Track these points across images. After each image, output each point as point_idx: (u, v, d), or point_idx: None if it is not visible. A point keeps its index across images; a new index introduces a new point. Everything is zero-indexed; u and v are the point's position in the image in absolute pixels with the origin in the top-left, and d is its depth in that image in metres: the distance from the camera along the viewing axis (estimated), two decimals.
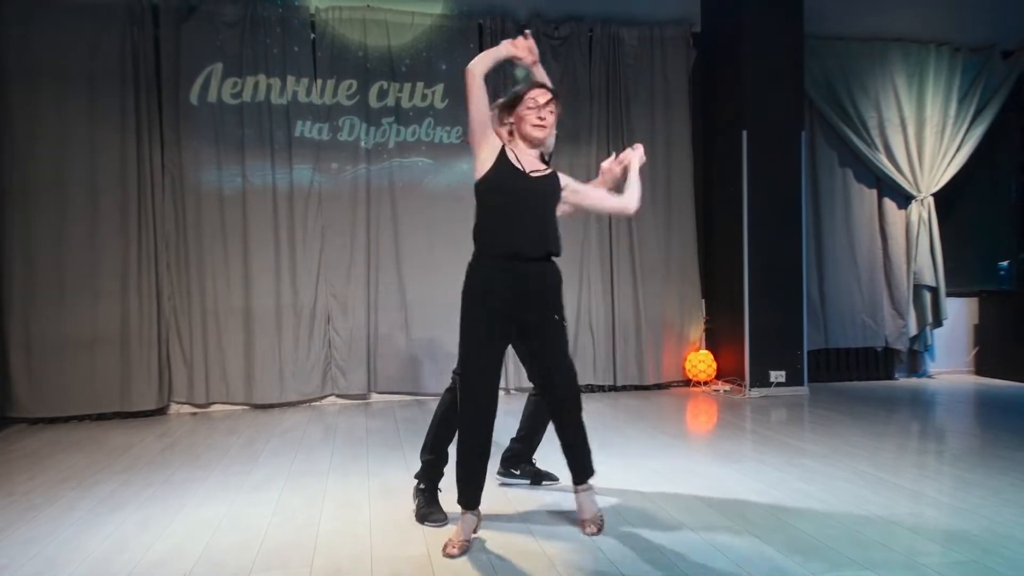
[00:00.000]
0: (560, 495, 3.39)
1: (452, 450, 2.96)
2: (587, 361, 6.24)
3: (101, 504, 3.41)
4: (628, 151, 3.15)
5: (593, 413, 5.36)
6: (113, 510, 3.31)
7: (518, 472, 3.56)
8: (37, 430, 5.16)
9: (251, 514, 3.21)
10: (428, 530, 2.97)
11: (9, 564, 2.72)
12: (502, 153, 2.81)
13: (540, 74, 3.02)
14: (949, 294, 6.79)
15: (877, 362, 6.81)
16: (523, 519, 3.10)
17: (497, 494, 3.41)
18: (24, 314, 5.35)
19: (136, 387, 5.49)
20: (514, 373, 6.11)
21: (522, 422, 3.52)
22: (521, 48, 2.94)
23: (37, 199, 5.36)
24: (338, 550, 2.78)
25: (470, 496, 2.81)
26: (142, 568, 2.65)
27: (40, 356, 5.36)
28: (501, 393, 6.03)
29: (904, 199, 6.75)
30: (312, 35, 5.85)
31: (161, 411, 5.62)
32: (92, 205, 5.44)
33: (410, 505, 3.19)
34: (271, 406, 5.77)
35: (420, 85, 5.99)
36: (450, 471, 2.93)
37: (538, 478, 3.55)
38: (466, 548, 2.74)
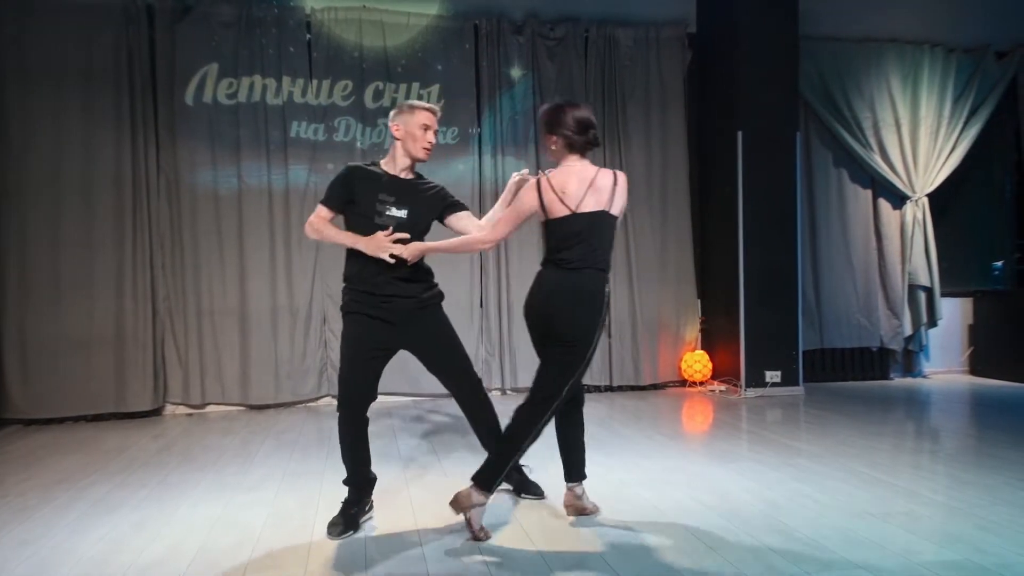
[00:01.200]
0: (555, 493, 3.40)
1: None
2: None
3: (96, 505, 3.40)
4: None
5: (589, 413, 5.30)
6: (108, 511, 3.31)
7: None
8: (32, 431, 5.14)
9: (246, 515, 3.21)
10: (423, 530, 2.98)
11: (3, 565, 2.71)
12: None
13: None
14: (944, 294, 6.81)
15: (872, 362, 6.82)
16: (518, 518, 3.10)
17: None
18: (19, 315, 5.33)
19: (131, 388, 5.48)
20: (509, 374, 6.11)
21: None
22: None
23: (32, 200, 5.34)
24: (333, 551, 2.78)
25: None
26: (137, 570, 2.65)
27: (35, 357, 5.34)
28: (497, 394, 6.13)
29: (899, 199, 6.77)
30: (308, 35, 5.84)
31: (156, 412, 5.60)
32: (87, 206, 5.43)
33: (406, 505, 3.20)
34: (266, 407, 5.76)
35: (416, 86, 5.98)
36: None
37: (522, 486, 3.44)
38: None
